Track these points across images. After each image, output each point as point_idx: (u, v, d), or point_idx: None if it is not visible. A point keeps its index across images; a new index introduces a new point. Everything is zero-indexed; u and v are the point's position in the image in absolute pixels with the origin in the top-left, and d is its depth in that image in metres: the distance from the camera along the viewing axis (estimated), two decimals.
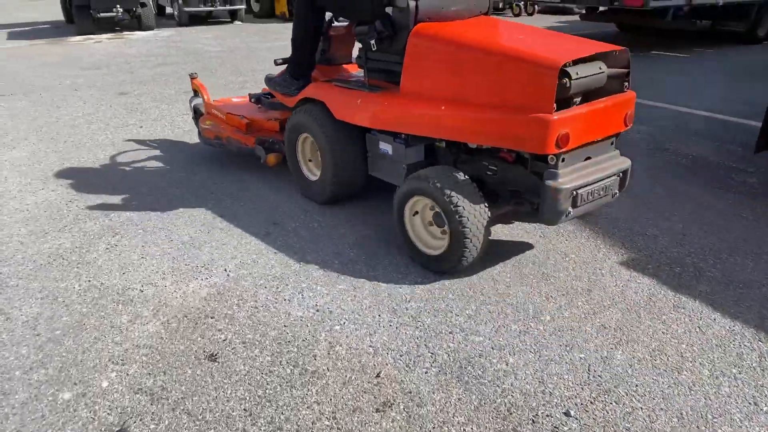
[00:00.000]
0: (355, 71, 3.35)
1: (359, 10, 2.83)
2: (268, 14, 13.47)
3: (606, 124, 2.40)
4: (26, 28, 12.25)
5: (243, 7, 12.64)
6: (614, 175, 2.45)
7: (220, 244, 2.86)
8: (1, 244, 2.89)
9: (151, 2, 11.37)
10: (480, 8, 2.91)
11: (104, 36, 10.66)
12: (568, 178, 2.27)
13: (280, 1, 13.15)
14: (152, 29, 11.32)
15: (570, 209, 2.29)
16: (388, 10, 2.65)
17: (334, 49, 3.40)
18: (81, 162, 4.04)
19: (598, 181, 2.37)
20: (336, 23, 3.34)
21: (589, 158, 2.40)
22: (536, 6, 14.03)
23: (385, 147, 2.84)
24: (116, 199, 3.40)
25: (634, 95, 2.50)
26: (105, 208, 3.29)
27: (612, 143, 2.52)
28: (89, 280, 2.56)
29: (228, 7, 12.25)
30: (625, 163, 2.52)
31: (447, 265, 2.49)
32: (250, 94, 4.00)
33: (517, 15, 13.86)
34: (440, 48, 2.51)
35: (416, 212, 2.60)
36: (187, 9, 11.71)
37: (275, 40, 9.81)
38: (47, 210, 3.28)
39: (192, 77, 4.17)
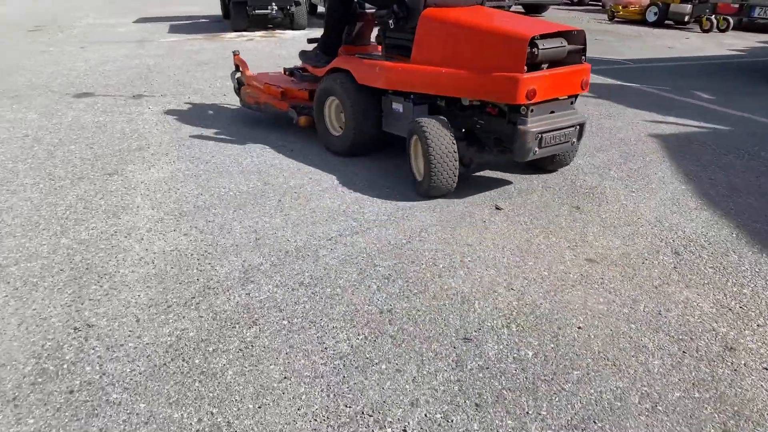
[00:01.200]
0: (375, 50, 4.04)
1: None
2: None
3: (566, 86, 3.09)
4: (187, 22, 12.54)
5: None
6: (573, 126, 3.15)
7: (394, 369, 1.96)
8: (114, 317, 2.23)
9: (304, 1, 11.05)
10: None
11: (257, 33, 10.49)
12: (535, 124, 2.98)
13: None
14: (304, 28, 10.99)
15: (536, 149, 3.02)
16: None
17: (357, 32, 4.11)
18: (221, 194, 3.40)
19: (559, 129, 3.07)
20: (360, 11, 4.08)
21: (552, 112, 3.10)
22: (730, 21, 11.94)
23: (397, 106, 3.56)
24: (257, 259, 2.66)
25: (590, 66, 3.18)
26: (243, 273, 2.54)
27: (572, 102, 3.21)
28: (212, 413, 1.77)
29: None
30: (582, 118, 3.21)
31: (422, 189, 3.26)
32: (285, 68, 4.67)
33: (707, 31, 11.84)
34: (444, 27, 3.23)
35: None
36: None
37: None
38: (175, 265, 2.60)
39: (234, 53, 4.86)
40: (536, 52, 2.89)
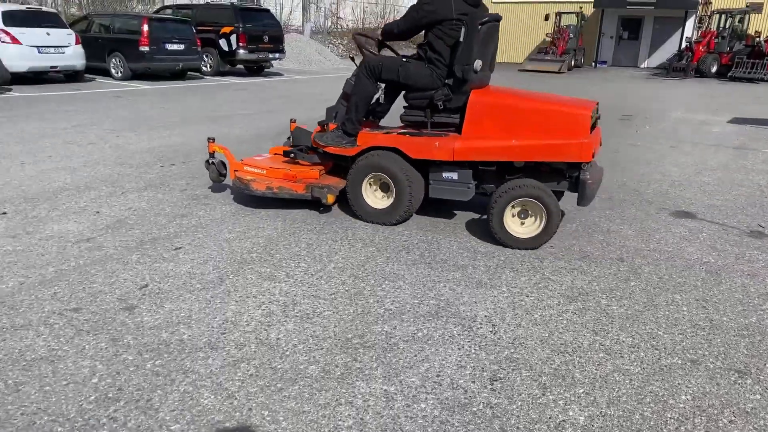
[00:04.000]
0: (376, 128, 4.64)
1: (424, 83, 4.11)
2: None
3: (598, 143, 4.01)
4: None
5: None
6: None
7: None
8: None
9: None
10: (488, 80, 4.42)
11: None
12: (590, 174, 3.89)
13: None
14: None
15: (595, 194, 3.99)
16: (448, 81, 4.03)
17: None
18: None
19: (600, 179, 4.16)
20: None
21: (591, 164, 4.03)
22: None
23: (449, 175, 4.11)
24: None
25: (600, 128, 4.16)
26: None
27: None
28: None
29: None
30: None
31: (541, 242, 3.95)
32: (284, 151, 4.76)
33: None
34: (499, 108, 3.96)
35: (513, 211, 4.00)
36: None
37: None
38: None
39: (210, 140, 4.72)
40: (594, 121, 3.90)
